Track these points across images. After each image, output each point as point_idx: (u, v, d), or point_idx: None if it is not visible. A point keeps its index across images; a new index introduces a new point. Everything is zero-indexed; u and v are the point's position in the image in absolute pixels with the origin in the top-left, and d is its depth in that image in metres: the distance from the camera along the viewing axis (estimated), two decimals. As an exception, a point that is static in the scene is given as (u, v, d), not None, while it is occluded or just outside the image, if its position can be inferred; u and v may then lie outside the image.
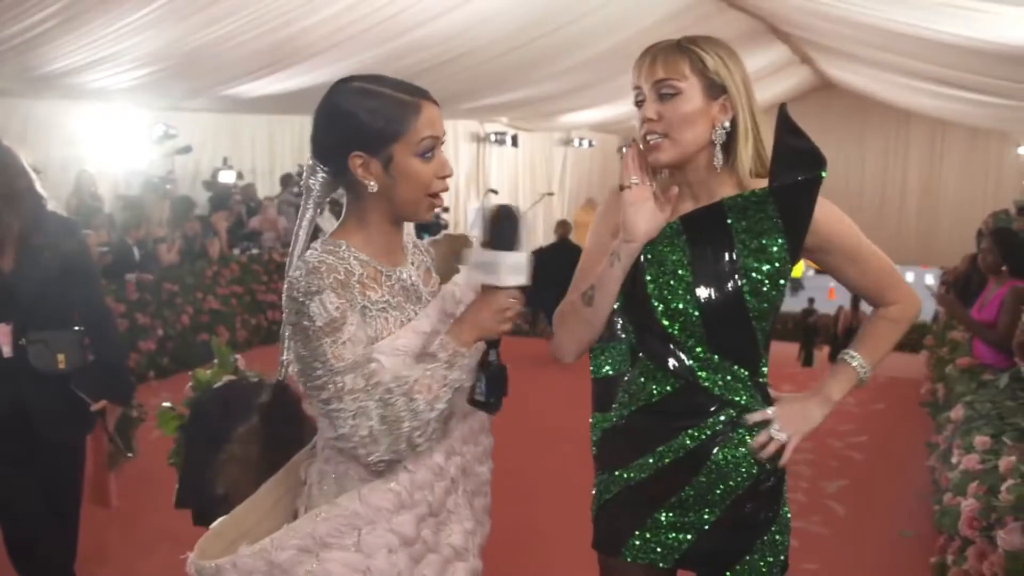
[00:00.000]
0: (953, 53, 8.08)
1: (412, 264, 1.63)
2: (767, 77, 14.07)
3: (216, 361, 3.16)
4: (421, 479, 1.55)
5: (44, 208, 2.67)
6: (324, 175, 1.56)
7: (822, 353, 14.42)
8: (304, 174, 1.59)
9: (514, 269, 1.49)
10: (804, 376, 8.50)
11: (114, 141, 9.12)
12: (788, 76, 15.50)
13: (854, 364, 1.78)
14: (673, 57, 1.63)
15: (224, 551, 1.53)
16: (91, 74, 7.64)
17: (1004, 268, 4.74)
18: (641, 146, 1.68)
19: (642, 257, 1.69)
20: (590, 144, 18.18)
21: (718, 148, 1.65)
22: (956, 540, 3.15)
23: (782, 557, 1.78)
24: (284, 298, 1.50)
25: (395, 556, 1.52)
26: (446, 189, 1.56)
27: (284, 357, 1.63)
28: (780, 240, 1.64)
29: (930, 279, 20.75)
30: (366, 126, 1.48)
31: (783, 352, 13.22)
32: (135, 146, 9.36)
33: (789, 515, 1.80)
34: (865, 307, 13.90)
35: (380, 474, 1.51)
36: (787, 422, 1.71)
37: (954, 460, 3.53)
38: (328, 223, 1.63)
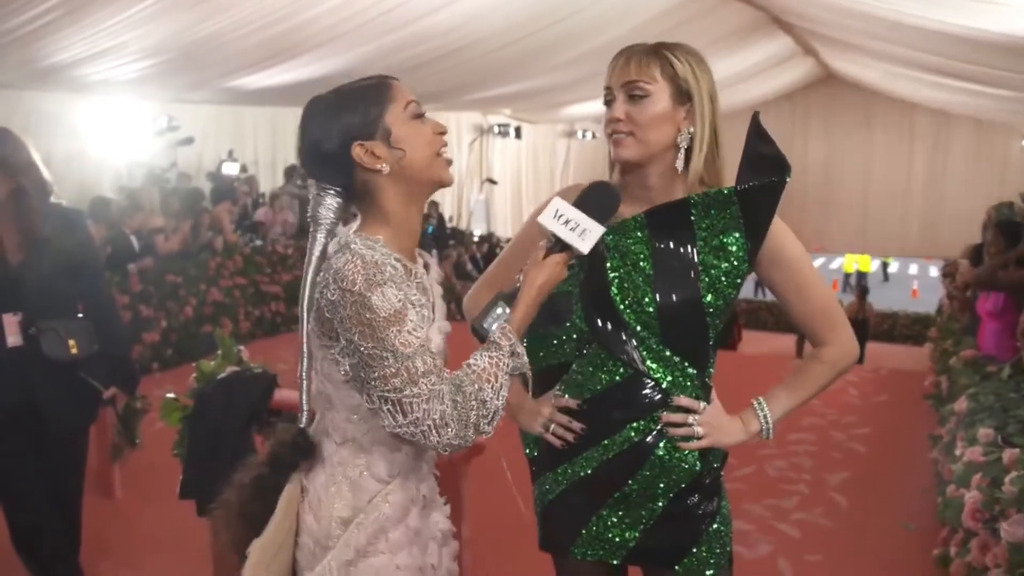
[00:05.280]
0: (958, 44, 8.06)
1: (421, 260, 1.63)
2: (770, 69, 14.06)
3: (220, 352, 3.17)
4: (417, 473, 1.61)
5: (50, 199, 2.68)
6: (335, 199, 1.54)
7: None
8: (311, 205, 1.56)
9: (563, 220, 1.53)
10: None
11: (117, 133, 9.13)
12: (792, 68, 15.47)
13: (760, 416, 1.74)
14: (646, 60, 1.66)
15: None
16: (94, 66, 7.65)
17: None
18: (608, 143, 1.72)
19: (604, 248, 1.71)
20: (593, 136, 18.19)
21: (681, 152, 1.69)
22: (959, 532, 3.15)
23: (728, 548, 1.79)
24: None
25: (413, 548, 1.58)
26: (446, 144, 1.57)
27: (304, 399, 1.60)
28: (740, 240, 1.67)
29: (934, 271, 20.73)
30: (353, 116, 1.48)
31: (782, 344, 13.22)
32: (138, 138, 9.37)
33: (727, 506, 1.81)
34: (870, 299, 13.81)
35: (396, 475, 1.56)
36: (708, 424, 1.71)
37: (957, 452, 3.52)
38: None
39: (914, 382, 6.68)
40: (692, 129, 1.67)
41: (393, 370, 1.42)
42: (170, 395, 3.18)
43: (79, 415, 2.79)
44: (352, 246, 1.46)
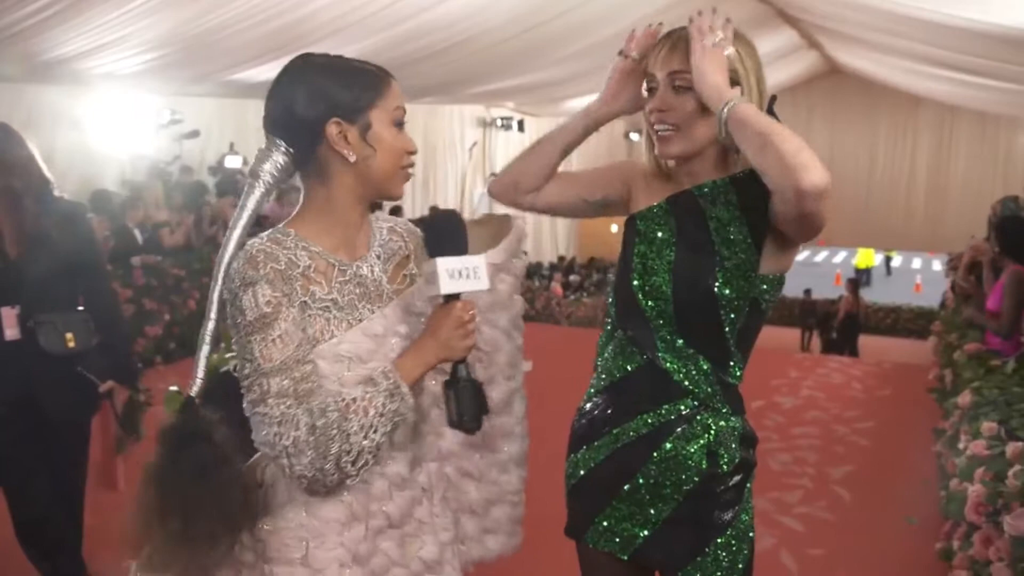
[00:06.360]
0: (962, 37, 8.03)
1: (378, 256, 1.52)
2: (775, 62, 14.01)
3: (223, 345, 3.17)
4: (377, 490, 1.46)
5: (52, 193, 2.68)
6: (283, 158, 1.45)
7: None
8: (256, 158, 1.47)
9: (456, 274, 1.41)
10: (810, 362, 8.48)
11: (120, 127, 9.12)
12: (796, 61, 15.43)
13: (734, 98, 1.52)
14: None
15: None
16: (96, 59, 7.64)
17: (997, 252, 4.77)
18: (652, 136, 1.67)
19: (635, 234, 1.70)
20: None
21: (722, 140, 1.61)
22: (962, 526, 3.15)
23: (740, 565, 1.71)
24: (219, 289, 1.41)
25: (348, 571, 1.43)
26: (413, 165, 1.50)
27: (200, 365, 1.51)
28: (744, 230, 1.61)
29: (938, 265, 20.70)
30: (343, 92, 1.40)
31: (784, 338, 13.22)
32: (141, 132, 9.37)
33: (747, 521, 1.74)
34: (863, 293, 13.88)
35: (313, 490, 1.41)
36: (712, 59, 1.55)
37: (961, 446, 3.52)
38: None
39: (917, 376, 6.66)
40: None
41: (249, 382, 1.36)
42: (173, 388, 3.18)
43: (78, 408, 2.80)
44: (249, 242, 1.39)
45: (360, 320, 1.44)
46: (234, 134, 10.59)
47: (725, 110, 1.50)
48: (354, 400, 1.35)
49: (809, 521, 4.14)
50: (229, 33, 7.60)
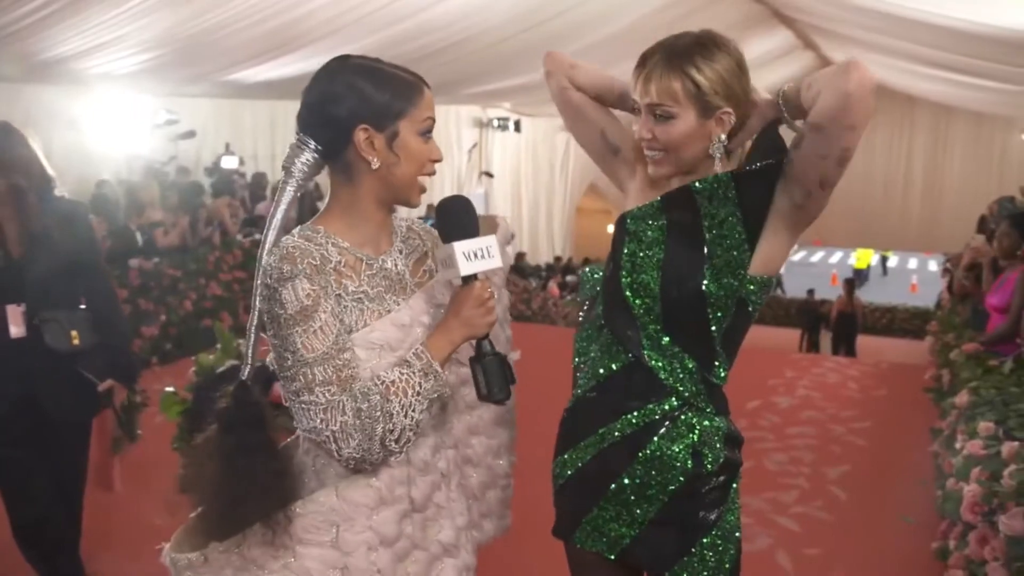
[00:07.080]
0: (958, 38, 8.05)
1: (400, 252, 1.58)
2: (770, 63, 14.04)
3: (219, 346, 3.17)
4: (401, 474, 1.50)
5: (53, 192, 2.69)
6: (312, 155, 1.50)
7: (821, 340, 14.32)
8: (288, 154, 1.52)
9: (472, 255, 1.48)
10: (807, 362, 8.48)
11: (117, 127, 9.12)
12: (791, 62, 15.45)
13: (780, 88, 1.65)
14: (666, 79, 1.59)
15: (201, 543, 1.49)
16: (93, 59, 7.64)
17: (1020, 252, 4.77)
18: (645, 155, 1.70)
19: (625, 233, 1.72)
20: (593, 130, 18.16)
21: (717, 161, 1.64)
22: (958, 525, 3.15)
23: (727, 564, 1.73)
24: (259, 284, 1.45)
25: (375, 554, 1.47)
26: (434, 173, 1.54)
27: (249, 352, 1.55)
28: (739, 228, 1.63)
29: (934, 265, 20.75)
30: (375, 99, 1.45)
31: (786, 337, 13.23)
32: (138, 132, 9.36)
33: (733, 521, 1.75)
34: (859, 294, 13.86)
35: (359, 469, 1.46)
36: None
37: (958, 446, 3.52)
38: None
39: (914, 376, 6.67)
40: (724, 137, 1.62)
41: (292, 373, 1.41)
42: (169, 389, 3.18)
43: (81, 407, 2.80)
44: (283, 240, 1.45)
45: (388, 311, 1.50)
46: (230, 135, 10.59)
47: (780, 101, 1.63)
48: (393, 382, 1.42)
49: (805, 521, 4.14)
50: (226, 33, 7.60)
